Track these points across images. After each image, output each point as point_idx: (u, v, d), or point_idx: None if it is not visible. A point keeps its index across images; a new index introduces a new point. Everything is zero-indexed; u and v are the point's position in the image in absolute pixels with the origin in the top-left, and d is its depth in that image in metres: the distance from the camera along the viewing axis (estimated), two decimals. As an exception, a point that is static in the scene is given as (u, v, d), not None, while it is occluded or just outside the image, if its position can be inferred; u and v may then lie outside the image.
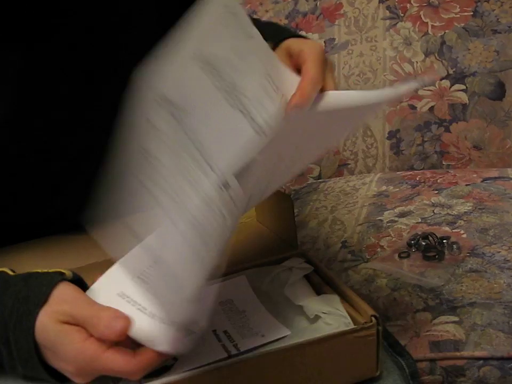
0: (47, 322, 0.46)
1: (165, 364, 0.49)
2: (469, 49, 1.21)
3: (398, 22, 1.25)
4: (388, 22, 1.26)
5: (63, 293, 0.47)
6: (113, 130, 0.54)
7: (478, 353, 0.71)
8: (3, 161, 0.60)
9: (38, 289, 0.47)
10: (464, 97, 1.21)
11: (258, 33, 0.49)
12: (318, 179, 1.30)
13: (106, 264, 0.64)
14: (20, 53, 0.57)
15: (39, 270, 0.49)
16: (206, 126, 0.44)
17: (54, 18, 0.58)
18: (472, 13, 1.21)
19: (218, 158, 0.44)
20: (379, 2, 1.27)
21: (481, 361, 0.71)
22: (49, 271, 0.49)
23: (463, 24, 1.21)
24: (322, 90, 0.53)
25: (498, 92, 1.19)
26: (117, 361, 0.44)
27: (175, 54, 0.43)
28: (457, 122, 1.22)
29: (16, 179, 0.61)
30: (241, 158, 0.45)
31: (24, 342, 0.46)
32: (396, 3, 1.26)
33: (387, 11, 1.26)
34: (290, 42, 0.57)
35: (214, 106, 0.45)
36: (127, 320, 0.45)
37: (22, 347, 0.46)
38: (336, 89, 0.55)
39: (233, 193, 0.45)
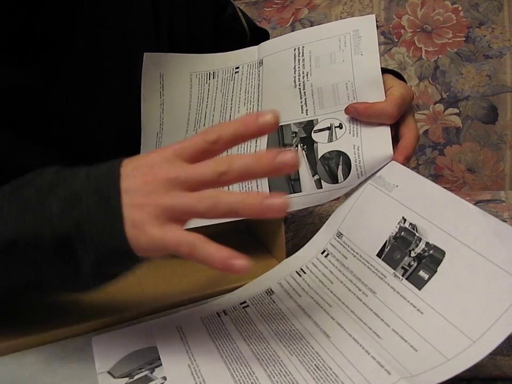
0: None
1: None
2: (462, 74, 1.22)
3: (392, 47, 1.27)
4: (382, 47, 1.27)
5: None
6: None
7: (461, 374, 0.71)
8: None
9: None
10: (457, 121, 1.22)
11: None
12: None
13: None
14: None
15: None
16: None
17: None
18: (464, 39, 1.23)
19: None
20: (374, 28, 1.29)
21: (464, 382, 0.71)
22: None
23: (455, 49, 1.23)
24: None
25: (491, 116, 1.21)
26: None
27: None
28: (451, 146, 1.23)
29: None
30: None
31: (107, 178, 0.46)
32: (390, 29, 1.28)
33: (382, 36, 1.28)
34: (385, 78, 0.62)
35: None
36: None
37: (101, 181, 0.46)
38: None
39: None
